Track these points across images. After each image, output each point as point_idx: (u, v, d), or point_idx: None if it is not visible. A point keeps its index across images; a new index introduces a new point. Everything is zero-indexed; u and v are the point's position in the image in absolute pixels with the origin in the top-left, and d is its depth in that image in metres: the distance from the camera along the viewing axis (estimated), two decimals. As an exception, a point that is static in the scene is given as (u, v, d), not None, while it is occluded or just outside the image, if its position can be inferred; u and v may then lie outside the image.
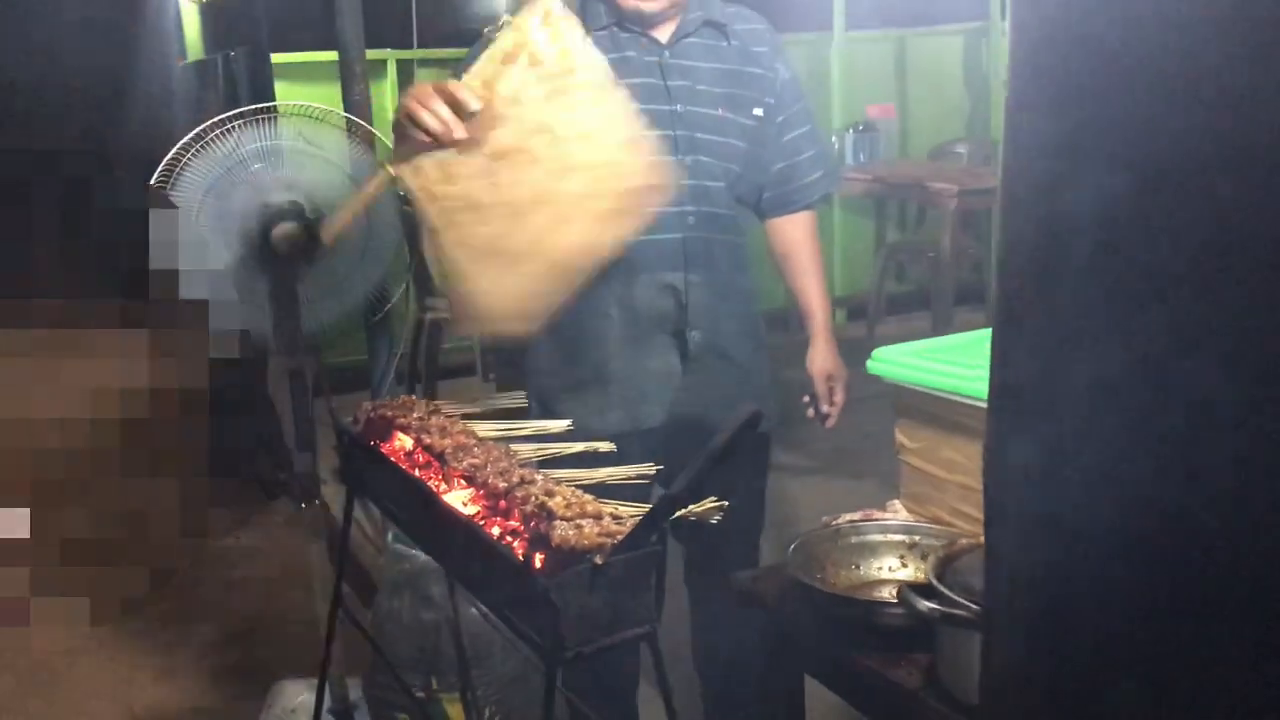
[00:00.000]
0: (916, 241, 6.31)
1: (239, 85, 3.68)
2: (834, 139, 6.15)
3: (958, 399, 1.65)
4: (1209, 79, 0.72)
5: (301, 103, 2.32)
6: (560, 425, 1.86)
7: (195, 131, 2.28)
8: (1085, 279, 0.83)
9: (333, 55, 3.17)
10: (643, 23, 2.00)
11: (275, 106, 2.35)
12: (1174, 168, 0.76)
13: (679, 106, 2.00)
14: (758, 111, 2.05)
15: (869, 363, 1.82)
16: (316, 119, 2.32)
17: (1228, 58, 0.71)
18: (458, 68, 2.04)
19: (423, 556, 2.13)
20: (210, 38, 4.83)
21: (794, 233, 2.20)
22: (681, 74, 2.01)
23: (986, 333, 1.86)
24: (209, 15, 4.95)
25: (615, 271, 1.96)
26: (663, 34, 2.02)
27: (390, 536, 2.29)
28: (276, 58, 3.97)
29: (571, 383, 2.06)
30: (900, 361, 1.78)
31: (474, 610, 2.09)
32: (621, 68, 1.95)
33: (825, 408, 2.19)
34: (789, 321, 6.31)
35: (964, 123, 6.85)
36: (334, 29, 3.14)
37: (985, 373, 1.53)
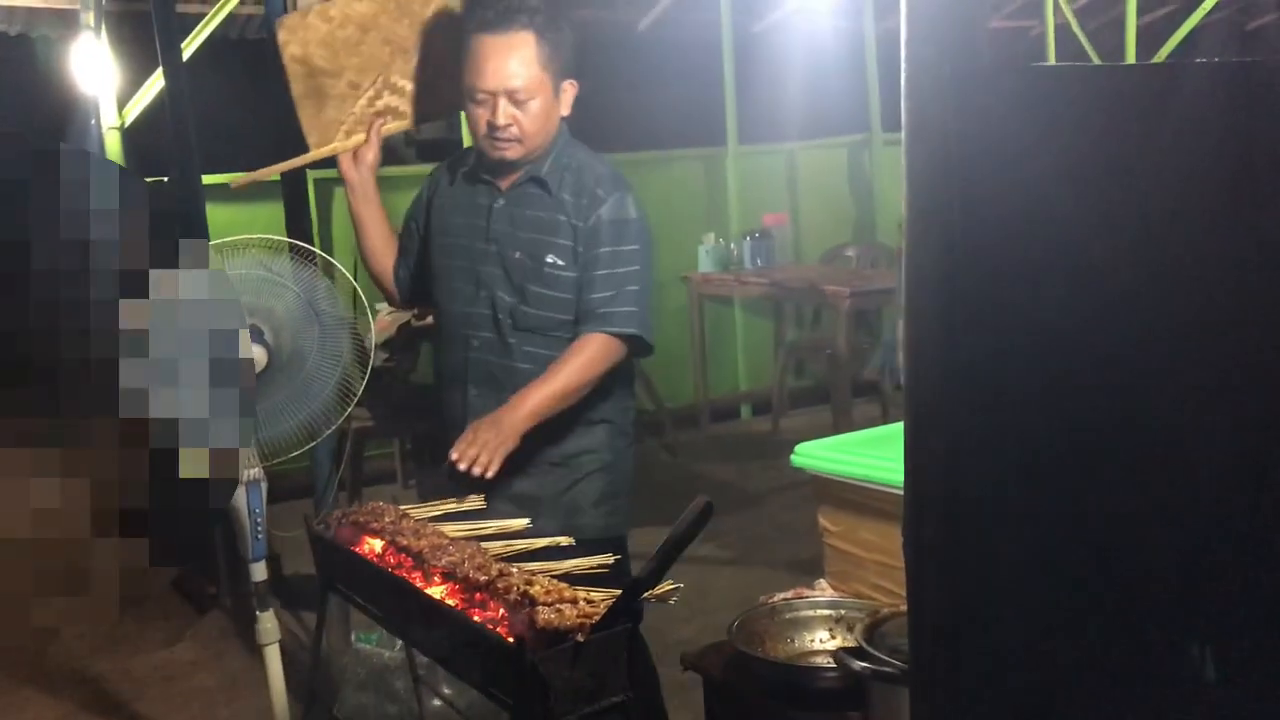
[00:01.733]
0: (814, 339, 6.66)
1: (172, 213, 3.82)
2: (732, 245, 6.51)
3: (873, 486, 1.89)
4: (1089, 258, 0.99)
5: (262, 235, 2.50)
6: (520, 524, 2.05)
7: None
8: (979, 389, 1.08)
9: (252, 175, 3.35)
10: (494, 171, 2.31)
11: (234, 240, 2.54)
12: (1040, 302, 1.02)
13: (492, 247, 2.31)
14: (550, 258, 2.27)
15: (793, 456, 2.06)
16: (275, 250, 2.52)
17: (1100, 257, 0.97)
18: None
19: (386, 654, 2.28)
20: (134, 163, 4.97)
21: (574, 345, 2.25)
22: (503, 219, 2.31)
23: (893, 427, 2.12)
24: (130, 140, 5.10)
25: (438, 375, 2.49)
26: (506, 183, 2.32)
27: (354, 636, 2.43)
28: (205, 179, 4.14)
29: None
30: (820, 454, 2.02)
31: (435, 702, 2.24)
32: (469, 208, 2.35)
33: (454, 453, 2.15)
34: (697, 418, 6.61)
35: (852, 227, 7.31)
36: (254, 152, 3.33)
37: (895, 462, 1.79)
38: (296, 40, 2.40)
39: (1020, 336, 1.04)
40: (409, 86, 2.45)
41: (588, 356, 2.24)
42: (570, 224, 2.27)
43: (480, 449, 2.12)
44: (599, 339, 2.25)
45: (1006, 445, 1.07)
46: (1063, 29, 7.27)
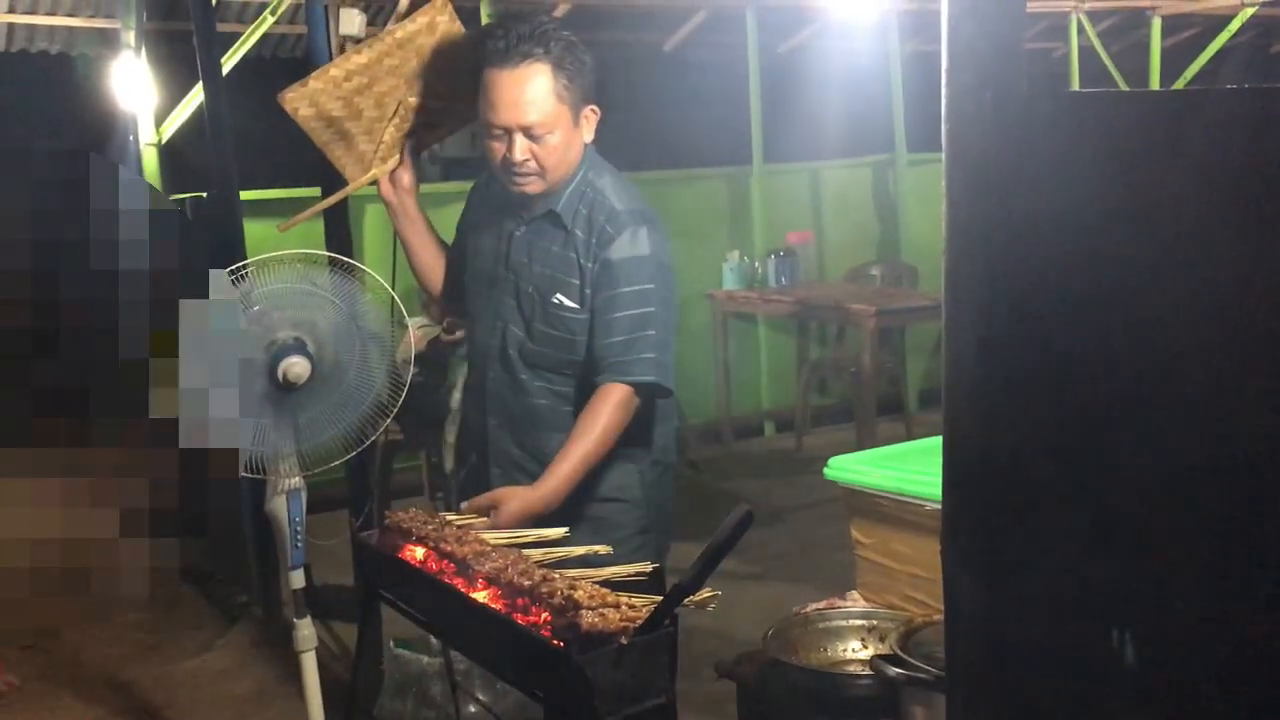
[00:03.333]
0: (837, 358, 6.70)
1: (211, 228, 3.91)
2: (757, 263, 6.57)
3: (905, 499, 1.93)
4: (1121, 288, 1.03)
5: (306, 250, 2.57)
6: (558, 533, 2.10)
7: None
8: (1015, 401, 1.12)
9: (288, 192, 3.42)
10: (519, 198, 2.25)
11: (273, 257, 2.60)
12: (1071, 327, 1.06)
13: (510, 276, 2.29)
14: (556, 297, 2.22)
15: (826, 470, 2.10)
16: (317, 264, 2.58)
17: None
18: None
19: (424, 660, 2.33)
20: (169, 178, 5.07)
21: (594, 399, 2.20)
22: (522, 248, 2.27)
23: (923, 443, 2.17)
24: (167, 156, 5.20)
25: (466, 392, 2.49)
26: (528, 211, 2.28)
27: (391, 642, 2.48)
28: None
29: None
30: (853, 468, 2.06)
31: (472, 708, 2.29)
32: (496, 232, 2.33)
33: (465, 504, 2.17)
34: (721, 435, 6.64)
35: (876, 246, 7.35)
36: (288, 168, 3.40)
37: (928, 476, 1.83)
38: (304, 103, 2.39)
39: (1056, 351, 1.08)
40: (433, 104, 2.46)
41: (607, 412, 2.16)
42: (579, 263, 2.22)
43: (495, 518, 2.08)
44: (616, 392, 2.17)
45: (1043, 457, 1.11)
46: (1086, 50, 7.32)
